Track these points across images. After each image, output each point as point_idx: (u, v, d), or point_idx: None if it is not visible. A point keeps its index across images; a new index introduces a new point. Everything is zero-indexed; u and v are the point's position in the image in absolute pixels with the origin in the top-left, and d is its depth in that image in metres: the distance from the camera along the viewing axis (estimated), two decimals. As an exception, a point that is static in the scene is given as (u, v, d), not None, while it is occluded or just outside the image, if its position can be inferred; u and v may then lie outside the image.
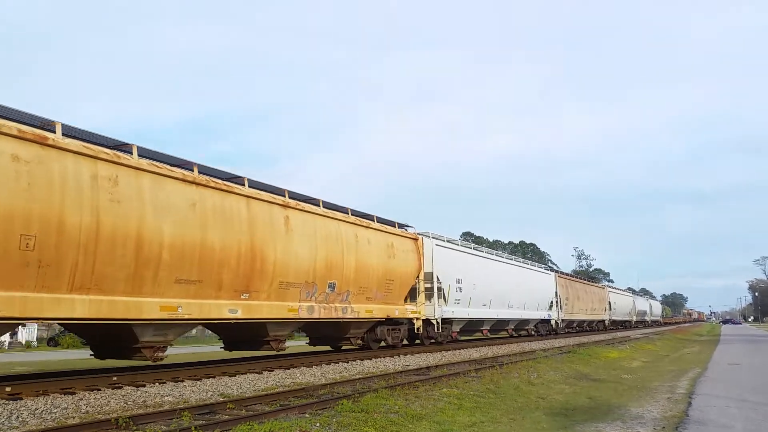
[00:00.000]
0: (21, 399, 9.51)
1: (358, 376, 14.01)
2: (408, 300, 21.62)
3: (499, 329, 32.67)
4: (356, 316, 18.05)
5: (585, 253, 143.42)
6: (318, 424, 8.81)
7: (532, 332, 36.50)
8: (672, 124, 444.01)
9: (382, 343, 20.90)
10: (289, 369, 14.70)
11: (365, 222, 18.94)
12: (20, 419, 8.34)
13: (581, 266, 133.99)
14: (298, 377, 13.63)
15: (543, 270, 40.39)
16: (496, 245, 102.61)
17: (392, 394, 11.41)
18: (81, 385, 10.82)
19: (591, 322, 49.90)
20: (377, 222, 19.75)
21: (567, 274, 49.27)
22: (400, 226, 21.60)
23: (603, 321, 53.17)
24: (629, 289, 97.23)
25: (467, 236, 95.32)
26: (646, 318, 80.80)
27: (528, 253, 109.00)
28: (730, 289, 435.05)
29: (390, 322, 20.48)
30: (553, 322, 38.78)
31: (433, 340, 23.88)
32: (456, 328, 25.71)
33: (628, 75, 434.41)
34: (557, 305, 38.97)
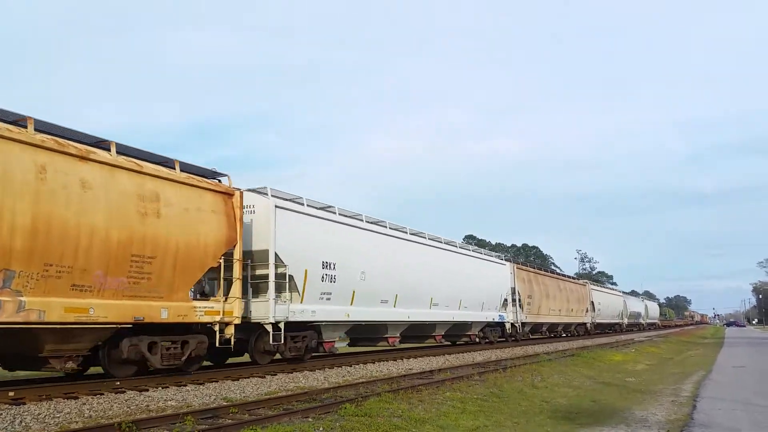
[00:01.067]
0: (24, 404, 9.46)
1: (361, 380, 13.96)
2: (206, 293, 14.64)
3: (422, 336, 24.61)
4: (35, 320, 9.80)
5: (588, 256, 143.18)
6: (321, 429, 8.75)
7: (477, 339, 28.42)
8: (676, 125, 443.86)
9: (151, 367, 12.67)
10: (291, 373, 14.61)
11: (79, 149, 10.73)
12: (23, 424, 8.31)
13: (584, 269, 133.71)
14: (301, 381, 13.55)
15: (493, 258, 31.19)
16: (498, 248, 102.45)
17: (395, 398, 11.36)
18: (84, 389, 10.74)
19: (568, 325, 42.18)
20: (118, 155, 11.51)
21: (533, 266, 41.85)
22: (200, 172, 13.55)
23: (584, 324, 44.99)
24: (634, 292, 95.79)
25: (470, 239, 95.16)
26: (641, 321, 72.64)
27: (531, 256, 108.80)
28: (735, 291, 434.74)
29: (156, 329, 12.13)
30: (508, 326, 30.79)
31: (272, 358, 16.10)
32: (330, 336, 17.64)
33: (630, 76, 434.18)
34: (516, 304, 31.21)
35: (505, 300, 30.10)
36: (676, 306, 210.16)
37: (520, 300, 31.50)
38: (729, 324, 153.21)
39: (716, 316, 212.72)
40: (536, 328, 36.15)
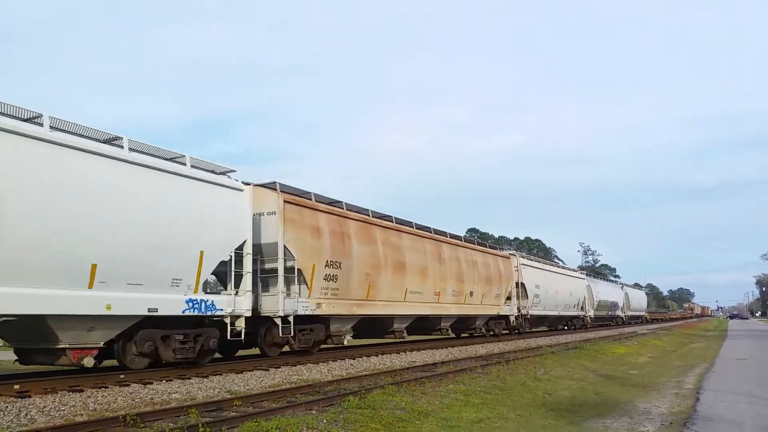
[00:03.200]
0: (30, 397, 9.49)
1: (364, 373, 13.99)
2: None
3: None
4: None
5: (591, 249, 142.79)
6: (325, 421, 8.76)
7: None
8: (679, 119, 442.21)
9: None
10: (295, 366, 14.62)
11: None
12: (29, 417, 8.35)
13: (587, 262, 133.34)
14: (305, 374, 13.58)
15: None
16: (501, 241, 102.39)
17: (399, 391, 11.37)
18: (89, 383, 10.80)
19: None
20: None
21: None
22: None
23: (506, 317, 29.91)
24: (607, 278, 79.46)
25: (473, 232, 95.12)
26: (619, 313, 57.07)
27: (534, 249, 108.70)
28: (738, 284, 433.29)
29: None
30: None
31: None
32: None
33: (633, 71, 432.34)
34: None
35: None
36: (679, 299, 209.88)
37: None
38: (732, 317, 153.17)
39: (719, 309, 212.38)
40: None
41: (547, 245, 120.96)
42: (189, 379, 11.93)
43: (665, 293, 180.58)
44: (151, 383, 11.19)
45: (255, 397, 10.37)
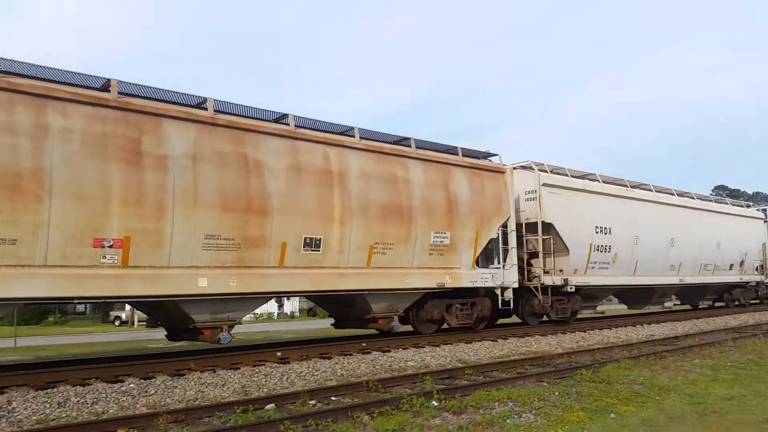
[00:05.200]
0: (289, 363, 10.66)
1: (597, 346, 13.49)
2: None
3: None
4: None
5: None
6: (557, 393, 8.57)
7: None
8: None
9: None
10: (523, 337, 14.73)
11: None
12: (289, 380, 9.29)
13: None
14: (533, 346, 13.53)
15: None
16: (756, 198, 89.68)
17: (636, 365, 10.80)
18: (336, 350, 11.85)
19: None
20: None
21: None
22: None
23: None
24: None
25: (720, 190, 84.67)
26: None
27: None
28: None
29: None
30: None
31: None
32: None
33: None
34: None
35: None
36: None
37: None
38: None
39: None
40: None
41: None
42: (423, 348, 12.53)
43: None
44: (389, 351, 11.96)
45: (485, 366, 10.58)
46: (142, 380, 8.89)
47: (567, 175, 17.30)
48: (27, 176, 8.12)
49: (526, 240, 15.88)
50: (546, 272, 15.84)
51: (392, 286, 12.22)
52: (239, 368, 10.00)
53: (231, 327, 10.49)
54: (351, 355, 11.48)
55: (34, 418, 6.92)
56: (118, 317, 37.91)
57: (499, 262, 14.88)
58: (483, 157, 15.06)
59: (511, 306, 15.03)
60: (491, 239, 14.54)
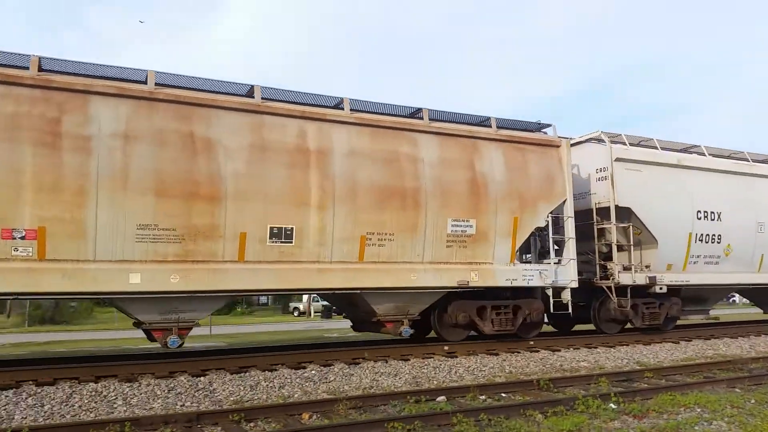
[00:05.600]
0: (456, 357, 10.15)
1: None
2: None
3: None
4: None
5: None
6: (753, 401, 7.48)
7: None
8: None
9: None
10: (709, 339, 13.09)
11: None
12: (458, 374, 9.10)
13: None
14: (722, 349, 12.11)
15: None
16: None
17: None
18: (503, 347, 11.03)
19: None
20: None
21: None
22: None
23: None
24: None
25: None
26: None
27: None
28: None
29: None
30: None
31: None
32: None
33: None
34: None
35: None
36: None
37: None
38: None
39: None
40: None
41: None
42: (595, 348, 11.54)
43: None
44: (559, 351, 11.11)
45: (666, 369, 9.63)
46: (322, 367, 9.11)
47: (655, 148, 13.23)
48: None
49: (599, 229, 12.52)
50: (626, 268, 12.31)
51: (394, 285, 10.15)
52: (409, 360, 9.84)
53: (187, 329, 9.17)
54: (518, 353, 10.84)
55: (231, 398, 7.42)
56: (296, 308, 39.72)
57: (552, 257, 11.71)
58: (528, 129, 11.85)
59: (569, 310, 11.42)
60: (537, 228, 11.54)
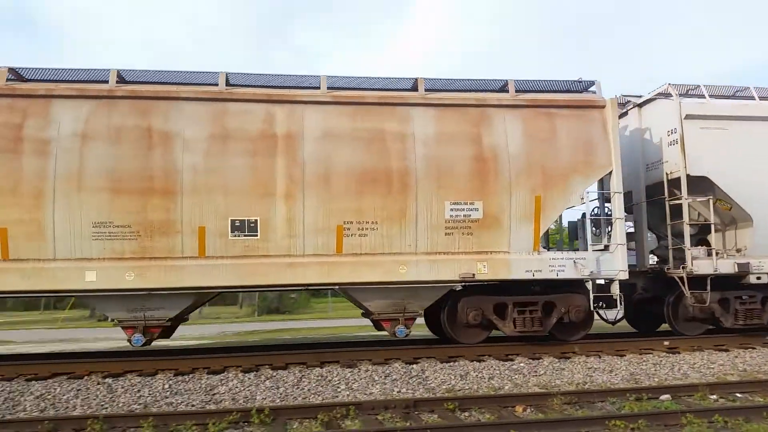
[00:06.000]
0: (679, 353, 9.46)
1: None
2: None
3: None
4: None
5: None
6: None
7: None
8: None
9: None
10: None
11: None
12: (681, 371, 8.50)
13: None
14: None
15: None
16: None
17: None
18: (734, 343, 10.07)
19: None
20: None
21: None
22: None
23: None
24: None
25: None
26: None
27: None
28: None
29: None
30: None
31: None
32: None
33: None
34: None
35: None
36: None
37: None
38: None
39: None
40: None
41: None
42: None
43: None
44: None
45: None
46: (530, 360, 8.92)
47: (752, 98, 10.29)
48: None
49: (672, 206, 10.03)
50: (709, 253, 9.94)
51: (379, 279, 9.00)
52: (625, 355, 9.31)
53: (158, 328, 8.98)
54: (754, 349, 9.79)
55: (443, 387, 7.58)
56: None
57: (588, 243, 9.67)
58: (563, 89, 9.98)
59: (620, 306, 9.41)
60: (570, 208, 9.52)
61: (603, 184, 9.85)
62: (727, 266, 9.64)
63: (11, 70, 8.76)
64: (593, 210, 10.05)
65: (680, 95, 10.10)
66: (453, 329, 9.75)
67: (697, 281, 9.80)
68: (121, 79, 8.98)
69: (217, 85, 9.06)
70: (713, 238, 9.83)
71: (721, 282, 9.87)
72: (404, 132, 9.15)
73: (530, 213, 9.30)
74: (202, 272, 8.60)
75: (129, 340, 8.74)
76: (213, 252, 8.66)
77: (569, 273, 9.30)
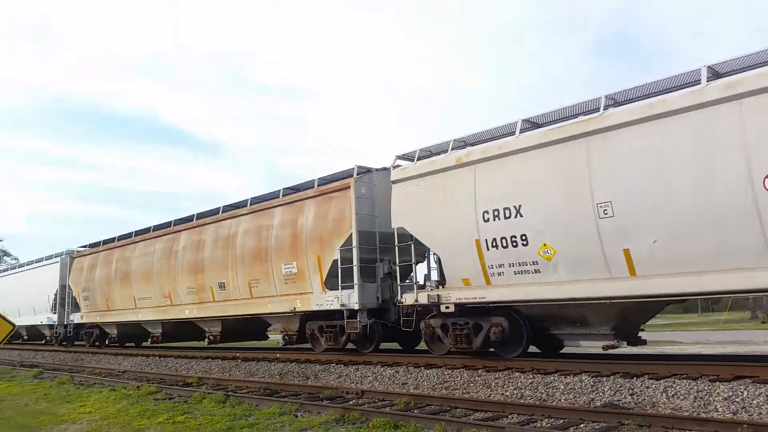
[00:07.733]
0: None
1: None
2: None
3: None
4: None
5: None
6: None
7: None
8: None
9: None
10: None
11: None
12: None
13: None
14: None
15: None
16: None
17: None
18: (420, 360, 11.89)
19: None
20: None
21: None
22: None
23: None
24: None
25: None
26: None
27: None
28: None
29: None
30: None
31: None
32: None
33: None
34: None
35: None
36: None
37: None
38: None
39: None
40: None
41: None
42: None
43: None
44: None
45: None
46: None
47: (446, 151, 11.28)
48: None
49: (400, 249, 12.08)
50: (420, 287, 11.71)
51: (258, 312, 15.48)
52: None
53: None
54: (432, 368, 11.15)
55: None
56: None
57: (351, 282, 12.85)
58: (341, 177, 13.83)
59: (367, 332, 12.68)
60: (334, 260, 13.14)
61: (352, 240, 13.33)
62: (423, 298, 11.95)
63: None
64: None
65: (394, 166, 12.42)
66: (310, 341, 14.69)
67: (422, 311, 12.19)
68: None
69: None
70: (415, 275, 12.14)
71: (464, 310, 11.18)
72: (269, 224, 15.48)
73: (316, 266, 13.78)
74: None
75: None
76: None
77: (335, 305, 13.52)
